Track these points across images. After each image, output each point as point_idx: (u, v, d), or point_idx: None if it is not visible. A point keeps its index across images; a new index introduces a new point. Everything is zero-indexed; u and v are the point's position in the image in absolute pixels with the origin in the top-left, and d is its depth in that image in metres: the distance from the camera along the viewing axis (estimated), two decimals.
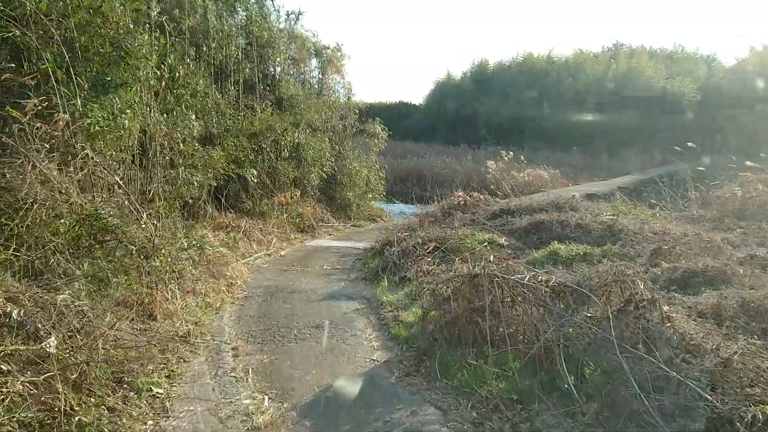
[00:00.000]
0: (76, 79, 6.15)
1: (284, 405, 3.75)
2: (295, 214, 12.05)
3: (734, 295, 4.61)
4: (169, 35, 7.60)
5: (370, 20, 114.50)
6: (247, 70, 12.24)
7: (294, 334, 5.25)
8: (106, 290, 4.45)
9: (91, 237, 4.82)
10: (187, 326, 4.94)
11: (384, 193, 16.27)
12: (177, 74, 7.68)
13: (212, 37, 10.61)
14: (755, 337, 3.78)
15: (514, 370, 3.82)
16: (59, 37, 6.24)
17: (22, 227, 4.19)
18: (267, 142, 11.17)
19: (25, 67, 5.88)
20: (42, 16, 6.06)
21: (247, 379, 4.14)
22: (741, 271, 5.45)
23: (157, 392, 3.72)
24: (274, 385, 4.06)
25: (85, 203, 4.83)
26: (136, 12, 7.24)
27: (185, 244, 5.59)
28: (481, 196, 11.25)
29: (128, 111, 6.33)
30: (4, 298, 3.44)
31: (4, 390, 2.91)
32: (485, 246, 7.71)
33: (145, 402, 3.58)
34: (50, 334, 3.28)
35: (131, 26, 6.79)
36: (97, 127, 5.25)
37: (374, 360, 4.64)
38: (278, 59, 13.51)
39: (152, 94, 7.30)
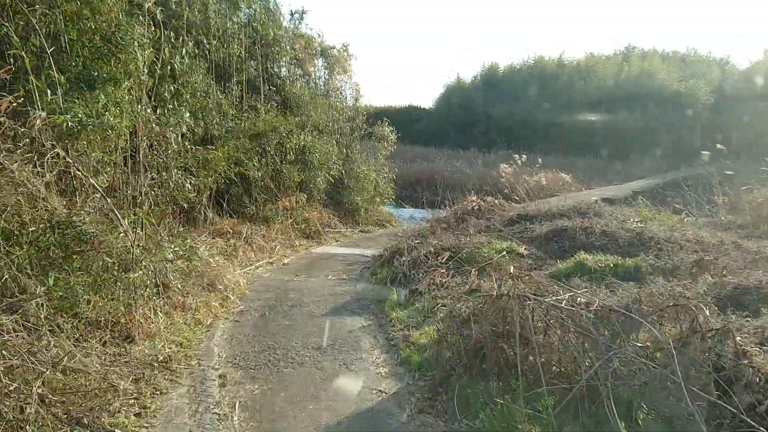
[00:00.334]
0: (58, 74, 5.65)
1: None
2: (300, 220, 11.49)
3: None
4: (164, 25, 7.06)
5: (368, 20, 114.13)
6: (252, 69, 11.74)
7: (292, 357, 4.64)
8: (75, 309, 3.88)
9: (63, 247, 4.25)
10: (169, 349, 4.34)
11: (393, 198, 15.69)
12: (171, 68, 7.13)
13: (213, 34, 10.11)
14: None
15: (550, 410, 3.18)
16: (44, 29, 5.77)
17: None
18: (271, 144, 10.63)
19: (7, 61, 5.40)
20: (23, 6, 5.57)
21: (232, 416, 3.52)
22: None
23: None
24: (262, 426, 3.44)
25: (57, 209, 4.27)
26: (129, 3, 6.74)
27: (170, 255, 5.01)
28: (496, 201, 10.61)
29: (114, 108, 5.79)
30: None
31: None
32: (503, 255, 7.09)
33: None
34: None
35: (123, 18, 6.28)
36: (70, 124, 4.67)
37: (382, 391, 4.02)
38: (284, 59, 12.99)
39: (143, 90, 6.77)
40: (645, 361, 2.90)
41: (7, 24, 5.38)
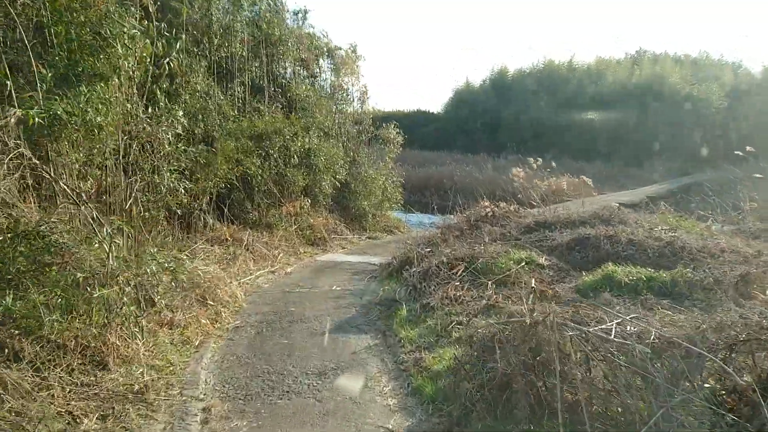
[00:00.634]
0: (44, 69, 5.19)
1: None
2: (305, 226, 10.97)
3: None
4: (158, 20, 6.59)
5: (366, 20, 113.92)
6: (255, 69, 11.26)
7: (288, 385, 4.10)
8: (37, 332, 3.37)
9: (31, 260, 3.75)
10: (148, 376, 3.81)
11: (402, 203, 15.13)
12: (166, 64, 6.64)
13: (215, 32, 9.64)
14: None
15: None
16: (26, 22, 5.33)
17: None
18: (275, 147, 10.13)
19: None
20: None
21: None
22: None
23: None
24: None
25: (24, 216, 3.77)
26: None
27: (154, 267, 4.49)
28: (510, 207, 10.02)
29: (99, 105, 5.30)
30: None
31: None
32: (522, 266, 6.51)
33: None
34: None
35: (113, 9, 5.82)
36: (38, 120, 4.17)
37: (390, 430, 3.46)
38: (289, 59, 12.52)
39: (133, 87, 6.29)
40: (720, 410, 2.33)
41: None
